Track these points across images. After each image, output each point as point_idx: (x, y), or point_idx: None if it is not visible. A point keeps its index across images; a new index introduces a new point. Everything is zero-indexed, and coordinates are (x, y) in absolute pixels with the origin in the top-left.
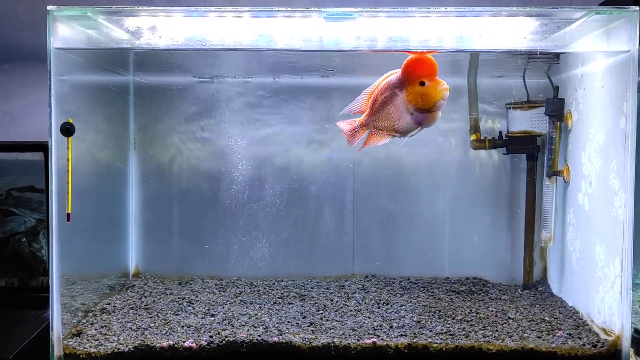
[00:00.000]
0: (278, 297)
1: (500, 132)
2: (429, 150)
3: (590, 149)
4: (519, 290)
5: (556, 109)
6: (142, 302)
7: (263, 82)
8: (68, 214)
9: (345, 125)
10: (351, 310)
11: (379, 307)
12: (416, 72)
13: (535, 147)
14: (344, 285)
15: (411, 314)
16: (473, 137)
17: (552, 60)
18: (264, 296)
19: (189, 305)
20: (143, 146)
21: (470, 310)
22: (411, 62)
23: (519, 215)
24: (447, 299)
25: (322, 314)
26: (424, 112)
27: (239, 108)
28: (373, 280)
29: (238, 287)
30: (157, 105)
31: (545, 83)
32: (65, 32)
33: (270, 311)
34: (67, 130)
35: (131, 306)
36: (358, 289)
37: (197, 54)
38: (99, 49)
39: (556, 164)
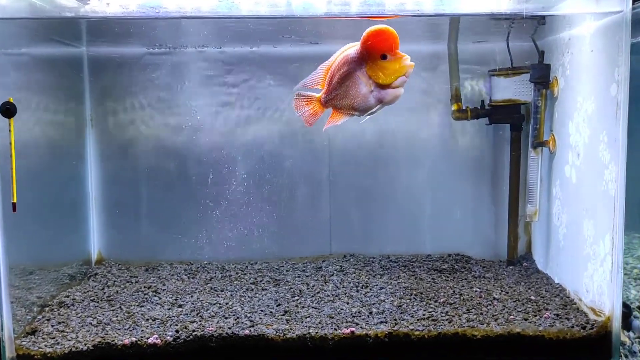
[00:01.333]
0: (251, 283)
1: (482, 101)
2: (408, 122)
3: (578, 118)
4: (504, 266)
5: (542, 76)
6: (105, 292)
7: (231, 52)
8: (14, 204)
9: (300, 104)
10: (328, 296)
11: (357, 291)
12: (377, 45)
13: (519, 117)
14: (320, 267)
15: (391, 298)
16: (454, 107)
17: (538, 23)
18: (235, 282)
19: (155, 295)
20: (101, 122)
21: (454, 292)
22: (371, 34)
23: (503, 189)
24: (429, 279)
25: (297, 300)
26: (385, 89)
27: (204, 80)
28: (351, 260)
29: (209, 273)
30: (115, 78)
31: (530, 47)
32: (3, 0)
33: (242, 299)
34: (8, 110)
35: (92, 298)
36: (336, 270)
37: (155, 23)
38: (40, 18)
39: (541, 134)
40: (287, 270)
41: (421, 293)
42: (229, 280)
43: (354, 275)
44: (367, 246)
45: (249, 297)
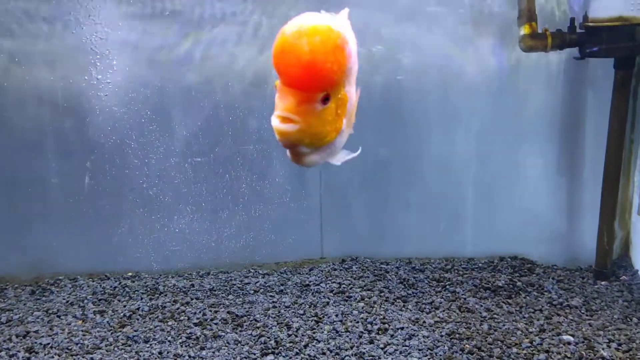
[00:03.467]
0: (196, 323)
1: (572, 21)
2: (441, 58)
3: None
4: (590, 280)
5: None
6: None
7: None
8: None
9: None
10: (323, 353)
11: (371, 342)
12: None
13: (634, 46)
14: (308, 285)
15: (428, 356)
16: (525, 31)
17: None
18: (170, 322)
19: (29, 359)
20: None
21: (531, 342)
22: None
23: (591, 161)
24: (482, 310)
25: (274, 358)
26: None
27: None
28: (354, 268)
29: (130, 298)
30: None
31: None
32: None
33: None
34: None
35: None
36: (332, 291)
37: None
38: None
39: None
40: (255, 291)
41: (479, 348)
42: (159, 319)
43: (361, 301)
44: (376, 245)
45: (191, 355)
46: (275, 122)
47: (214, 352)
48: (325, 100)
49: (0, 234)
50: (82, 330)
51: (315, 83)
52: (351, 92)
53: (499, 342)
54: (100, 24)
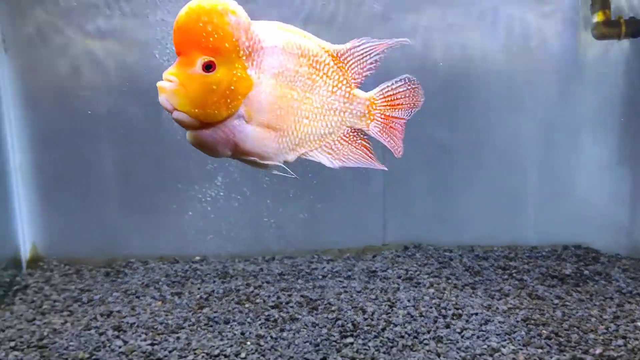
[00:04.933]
0: (272, 305)
1: None
2: (505, 41)
3: None
4: None
5: None
6: (36, 331)
7: None
8: None
9: None
10: (401, 335)
11: (447, 326)
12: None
13: None
14: (374, 271)
15: (510, 343)
16: (598, 18)
17: None
18: (247, 304)
19: (118, 337)
20: (22, 47)
21: (607, 329)
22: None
23: None
24: (552, 297)
25: (352, 346)
26: None
27: None
28: (417, 255)
29: (203, 282)
30: None
31: None
32: None
33: (261, 346)
34: None
35: (14, 343)
36: (399, 277)
37: None
38: None
39: None
40: (323, 276)
41: (556, 333)
42: (235, 301)
43: (430, 287)
44: (438, 232)
45: (271, 338)
46: (159, 82)
47: (294, 334)
48: (208, 67)
49: (75, 218)
50: (163, 311)
51: (188, 43)
52: (265, 85)
53: (574, 328)
54: None
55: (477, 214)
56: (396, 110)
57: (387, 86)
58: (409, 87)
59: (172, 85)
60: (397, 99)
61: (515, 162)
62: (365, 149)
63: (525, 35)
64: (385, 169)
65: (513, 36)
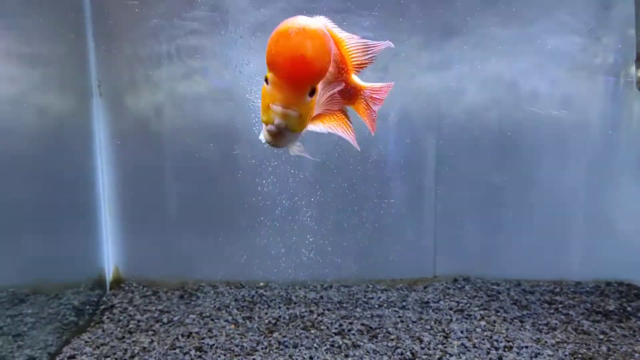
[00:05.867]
0: (335, 332)
1: None
2: (555, 93)
3: None
4: None
5: None
6: (127, 350)
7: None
8: None
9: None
10: None
11: (499, 358)
12: (269, 53)
13: None
14: (427, 302)
15: None
16: None
17: None
18: (312, 330)
19: (201, 357)
20: (114, 92)
21: None
22: (274, 34)
23: None
24: (597, 332)
25: None
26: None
27: (261, 25)
28: (466, 288)
29: (269, 306)
30: (135, 29)
31: None
32: None
33: None
34: None
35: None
36: (451, 308)
37: None
38: None
39: None
40: (379, 305)
41: None
42: (301, 327)
43: (481, 319)
44: (485, 266)
45: None
46: (278, 109)
47: None
48: (312, 93)
49: (153, 245)
50: (237, 334)
51: (309, 79)
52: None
53: None
54: None
55: (524, 250)
56: (375, 103)
57: (376, 84)
58: (386, 90)
59: (296, 114)
60: (377, 95)
61: (561, 203)
62: (347, 124)
63: (579, 88)
64: (358, 148)
65: (564, 86)
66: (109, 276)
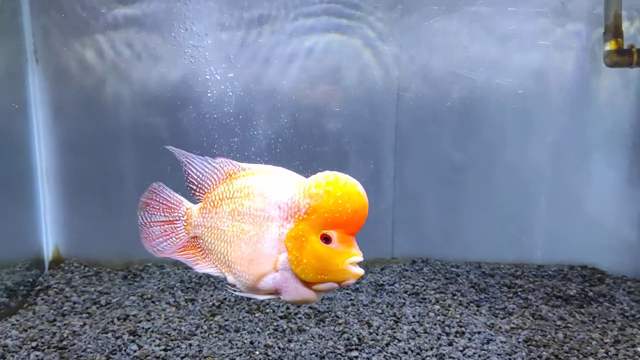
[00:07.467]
0: (281, 316)
1: None
2: (519, 66)
3: None
4: None
5: None
6: (56, 332)
7: None
8: None
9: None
10: (404, 352)
11: (449, 344)
12: (332, 219)
13: None
14: (382, 284)
15: None
16: (611, 46)
17: None
18: (258, 314)
19: (133, 341)
20: (50, 58)
21: (607, 353)
22: (333, 194)
23: None
24: (555, 317)
25: (358, 355)
26: (299, 282)
27: None
28: (425, 270)
29: (215, 288)
30: None
31: None
32: None
33: (269, 355)
34: None
35: (36, 343)
36: (406, 292)
37: None
38: None
39: None
40: None
41: (556, 356)
42: (246, 310)
43: (436, 303)
44: (445, 248)
45: (280, 347)
46: (360, 269)
47: (300, 345)
48: None
49: (96, 222)
50: (177, 317)
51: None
52: None
53: (575, 351)
54: None
55: (485, 232)
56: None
57: None
58: None
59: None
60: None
61: (525, 182)
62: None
63: (539, 62)
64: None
65: (526, 62)
66: (48, 255)
